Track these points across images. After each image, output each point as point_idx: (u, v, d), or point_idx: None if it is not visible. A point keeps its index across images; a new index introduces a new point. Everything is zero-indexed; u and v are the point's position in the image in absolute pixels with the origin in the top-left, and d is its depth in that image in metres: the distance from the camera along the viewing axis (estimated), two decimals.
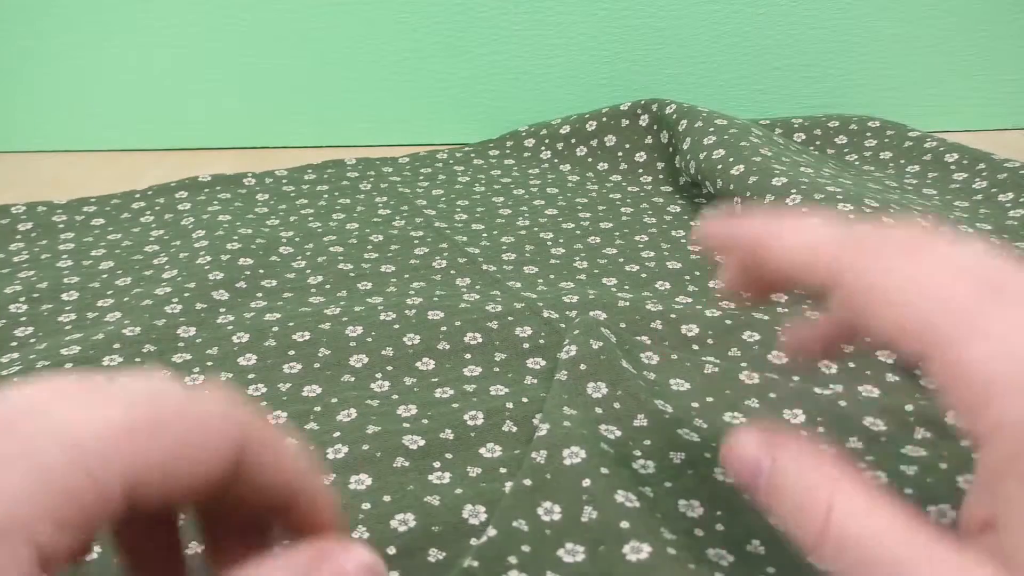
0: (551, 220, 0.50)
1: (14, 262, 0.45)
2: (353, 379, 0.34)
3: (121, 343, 0.35)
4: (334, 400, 0.32)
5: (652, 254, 0.45)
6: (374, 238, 0.47)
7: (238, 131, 0.65)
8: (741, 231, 0.21)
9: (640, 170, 0.57)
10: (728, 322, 0.36)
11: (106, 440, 0.14)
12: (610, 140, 0.59)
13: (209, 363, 0.35)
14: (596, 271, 0.43)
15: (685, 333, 0.36)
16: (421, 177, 0.57)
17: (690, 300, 0.40)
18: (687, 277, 0.42)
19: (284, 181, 0.56)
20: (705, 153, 0.50)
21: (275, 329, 0.37)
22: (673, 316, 0.37)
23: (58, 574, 0.14)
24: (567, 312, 0.37)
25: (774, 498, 0.18)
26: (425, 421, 0.30)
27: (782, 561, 0.24)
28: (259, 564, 0.15)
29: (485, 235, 0.48)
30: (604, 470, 0.25)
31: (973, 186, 0.51)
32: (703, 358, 0.33)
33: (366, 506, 0.26)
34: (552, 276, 0.43)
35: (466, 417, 0.30)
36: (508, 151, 0.62)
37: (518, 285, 0.41)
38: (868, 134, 0.58)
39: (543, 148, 0.61)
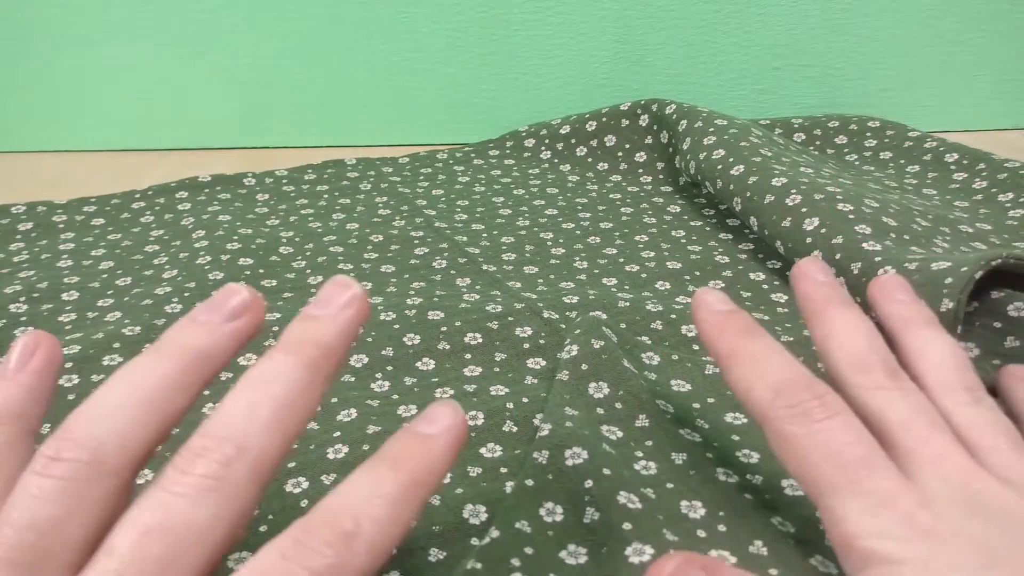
0: (551, 220, 0.50)
1: (14, 262, 0.45)
2: (353, 379, 0.34)
3: (121, 343, 0.35)
4: (334, 400, 0.32)
5: (652, 254, 0.45)
6: (374, 238, 0.47)
7: (238, 131, 0.65)
8: (711, 343, 0.24)
9: (640, 170, 0.57)
10: None
11: None
12: (610, 140, 0.59)
13: None
14: (596, 271, 0.43)
15: (685, 333, 0.36)
16: (421, 177, 0.57)
17: (690, 300, 0.39)
18: (687, 277, 0.42)
19: (284, 181, 0.56)
20: (705, 153, 0.49)
21: (275, 329, 0.37)
22: (673, 316, 0.37)
23: None
24: (567, 312, 0.37)
25: None
26: None
27: (785, 562, 0.24)
28: None
29: (485, 235, 0.48)
30: (606, 471, 0.25)
31: (973, 186, 0.51)
32: (704, 358, 0.33)
33: None
34: (552, 276, 0.43)
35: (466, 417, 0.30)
36: (508, 151, 0.62)
37: (518, 285, 0.41)
38: (868, 134, 0.58)
39: (543, 148, 0.61)
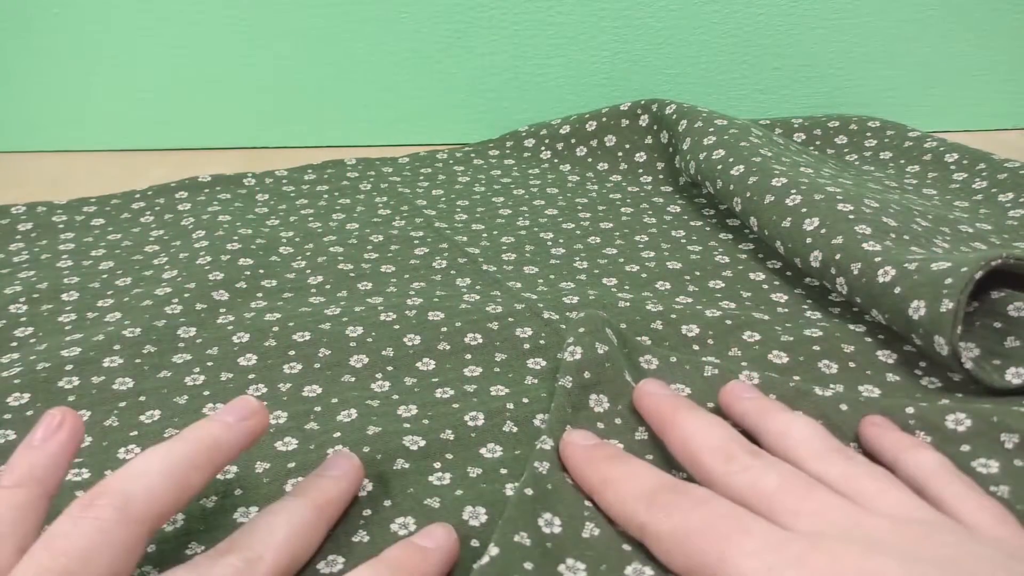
0: (551, 220, 0.50)
1: (14, 262, 0.45)
2: (353, 379, 0.34)
3: (121, 343, 0.35)
4: (334, 400, 0.32)
5: (652, 254, 0.45)
6: (374, 238, 0.47)
7: (238, 131, 0.65)
8: (581, 477, 0.26)
9: (640, 170, 0.57)
10: (728, 322, 0.36)
11: None
12: (610, 140, 0.59)
13: (209, 363, 0.35)
14: (596, 271, 0.43)
15: (685, 333, 0.36)
16: (421, 177, 0.57)
17: (690, 300, 0.40)
18: (687, 277, 0.42)
19: (284, 181, 0.56)
20: (705, 153, 0.49)
21: (275, 329, 0.37)
22: (673, 316, 0.37)
23: None
24: (567, 313, 0.37)
25: None
26: (425, 421, 0.30)
27: None
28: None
29: (485, 235, 0.48)
30: None
31: (973, 186, 0.51)
32: (703, 359, 0.33)
33: (367, 512, 0.26)
34: (552, 276, 0.43)
35: (466, 418, 0.30)
36: (508, 151, 0.62)
37: (518, 285, 0.41)
38: (868, 134, 0.58)
39: (543, 148, 0.61)
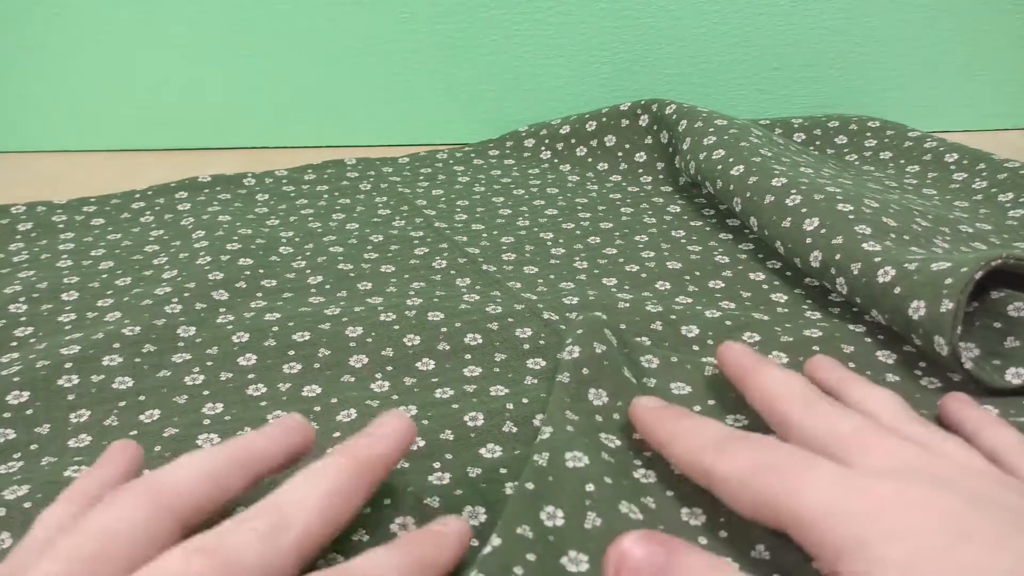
0: (551, 220, 0.50)
1: (14, 262, 0.45)
2: (353, 379, 0.34)
3: (121, 343, 0.35)
4: (334, 400, 0.32)
5: (652, 254, 0.45)
6: (374, 238, 0.47)
7: (238, 131, 0.65)
8: (650, 433, 0.27)
9: (640, 170, 0.57)
10: (728, 323, 0.36)
11: None
12: (610, 140, 0.59)
13: (209, 363, 0.35)
14: (596, 271, 0.43)
15: (685, 334, 0.36)
16: (421, 177, 0.57)
17: (690, 300, 0.40)
18: (687, 277, 0.42)
19: (284, 181, 0.56)
20: (705, 153, 0.49)
21: (275, 329, 0.37)
22: (673, 317, 0.37)
23: None
24: (567, 314, 0.37)
25: None
26: (425, 422, 0.30)
27: (788, 566, 0.23)
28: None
29: (485, 235, 0.48)
30: (607, 479, 0.25)
31: (973, 186, 0.51)
32: (703, 359, 0.33)
33: (366, 511, 0.26)
34: (552, 276, 0.43)
35: (466, 418, 0.30)
36: (508, 151, 0.62)
37: (518, 285, 0.41)
38: (868, 134, 0.58)
39: (543, 148, 0.61)
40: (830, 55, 0.64)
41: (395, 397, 0.32)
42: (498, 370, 0.34)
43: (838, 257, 0.37)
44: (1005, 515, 0.19)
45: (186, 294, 0.40)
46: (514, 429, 0.30)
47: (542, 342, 0.36)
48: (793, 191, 0.42)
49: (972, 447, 0.23)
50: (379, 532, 0.25)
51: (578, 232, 0.48)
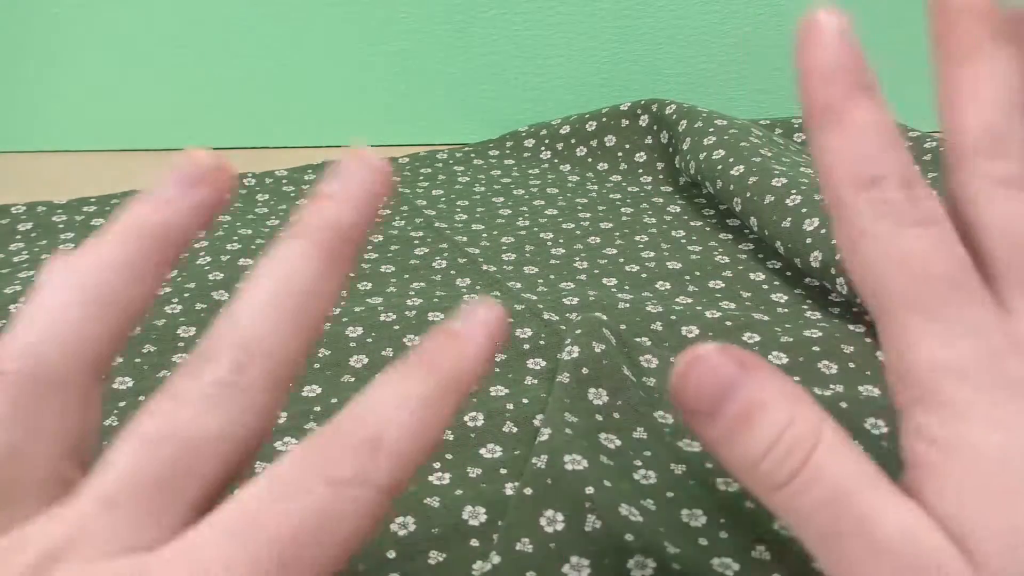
0: (551, 220, 0.50)
1: (14, 262, 0.45)
2: (353, 379, 0.34)
3: None
4: (334, 400, 0.32)
5: (652, 254, 0.45)
6: (374, 238, 0.47)
7: (238, 131, 0.65)
8: (809, 92, 0.19)
9: (640, 170, 0.57)
10: (728, 323, 0.36)
11: None
12: (610, 140, 0.59)
13: None
14: (596, 271, 0.43)
15: (685, 335, 0.36)
16: (421, 177, 0.57)
17: (690, 301, 0.40)
18: (687, 277, 0.42)
19: (284, 181, 0.56)
20: (705, 153, 0.49)
21: None
22: (673, 317, 0.37)
23: None
24: (567, 314, 0.37)
25: (743, 427, 0.15)
26: None
27: (788, 566, 0.23)
28: None
29: (485, 235, 0.48)
30: (606, 483, 0.25)
31: None
32: None
33: None
34: (552, 276, 0.43)
35: (466, 418, 0.30)
36: (508, 151, 0.62)
37: (518, 286, 0.41)
38: None
39: (543, 148, 0.61)
40: None
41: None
42: (498, 370, 0.34)
43: (838, 257, 0.37)
44: None
45: (186, 294, 0.40)
46: (514, 429, 0.30)
47: (542, 342, 0.36)
48: (793, 191, 0.42)
49: None
50: (378, 531, 0.25)
51: (578, 232, 0.48)
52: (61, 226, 0.50)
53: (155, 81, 0.63)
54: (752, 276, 0.42)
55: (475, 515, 0.26)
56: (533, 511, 0.24)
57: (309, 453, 0.15)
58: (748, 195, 0.44)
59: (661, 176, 0.56)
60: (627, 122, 0.59)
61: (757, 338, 0.35)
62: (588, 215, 0.50)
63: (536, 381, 0.33)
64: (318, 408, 0.32)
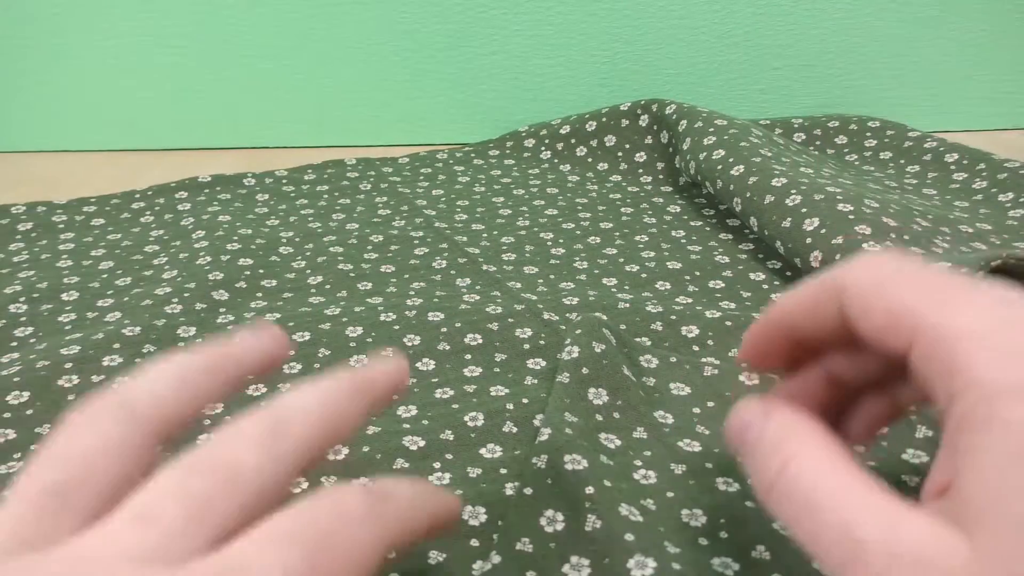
0: (551, 220, 0.50)
1: (14, 262, 0.45)
2: None
3: (121, 343, 0.35)
4: None
5: (652, 254, 0.45)
6: (374, 238, 0.47)
7: (238, 131, 0.65)
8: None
9: (640, 170, 0.57)
10: (728, 323, 0.36)
11: None
12: (610, 140, 0.59)
13: None
14: (596, 271, 0.43)
15: (685, 335, 0.36)
16: (421, 177, 0.57)
17: (690, 300, 0.40)
18: (687, 277, 0.42)
19: (284, 181, 0.56)
20: (705, 153, 0.49)
21: None
22: (673, 317, 0.37)
23: None
24: (567, 314, 0.37)
25: (750, 450, 0.19)
26: (425, 422, 0.30)
27: (788, 567, 0.23)
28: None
29: (485, 235, 0.48)
30: (607, 483, 0.25)
31: (973, 186, 0.51)
32: (702, 360, 0.33)
33: None
34: (552, 276, 0.43)
35: (466, 418, 0.30)
36: (508, 151, 0.62)
37: (518, 286, 0.41)
38: (868, 134, 0.58)
39: (543, 148, 0.61)
40: (830, 55, 0.64)
41: (394, 397, 0.32)
42: (498, 370, 0.34)
43: (838, 257, 0.37)
44: None
45: (186, 294, 0.40)
46: (514, 429, 0.30)
47: (542, 342, 0.36)
48: (793, 191, 0.42)
49: None
50: None
51: (578, 232, 0.48)
52: (61, 226, 0.50)
53: (155, 81, 0.63)
54: (752, 276, 0.42)
55: (475, 515, 0.26)
56: (533, 511, 0.24)
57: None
58: (748, 195, 0.44)
59: (661, 176, 0.56)
60: (627, 122, 0.59)
61: None
62: (588, 215, 0.50)
63: (536, 381, 0.33)
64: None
